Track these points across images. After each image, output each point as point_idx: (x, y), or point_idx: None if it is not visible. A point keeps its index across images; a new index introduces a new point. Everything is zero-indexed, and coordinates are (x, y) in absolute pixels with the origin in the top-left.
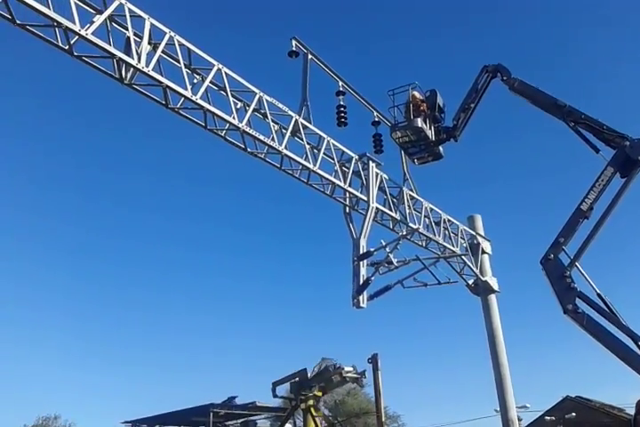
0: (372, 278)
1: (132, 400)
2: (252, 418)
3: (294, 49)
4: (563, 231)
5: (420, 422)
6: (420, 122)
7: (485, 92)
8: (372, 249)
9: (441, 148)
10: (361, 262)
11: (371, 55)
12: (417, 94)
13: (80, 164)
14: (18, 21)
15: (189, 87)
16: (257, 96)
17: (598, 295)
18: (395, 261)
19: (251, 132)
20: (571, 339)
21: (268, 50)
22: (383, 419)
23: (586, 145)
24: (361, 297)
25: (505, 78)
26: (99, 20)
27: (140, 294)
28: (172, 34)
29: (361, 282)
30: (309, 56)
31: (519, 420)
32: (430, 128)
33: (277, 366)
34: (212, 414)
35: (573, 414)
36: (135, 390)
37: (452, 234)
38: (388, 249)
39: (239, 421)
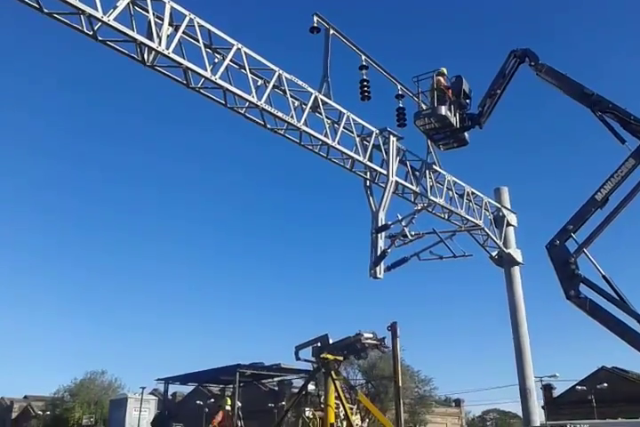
0: (389, 251)
1: (167, 361)
2: (287, 378)
3: (316, 25)
4: (573, 219)
5: (450, 386)
6: (444, 109)
7: (513, 77)
8: (389, 222)
9: (466, 134)
10: (379, 235)
11: (395, 35)
12: (442, 80)
13: None
14: (45, 10)
15: (209, 67)
16: (276, 73)
17: (604, 278)
18: (409, 234)
19: (269, 109)
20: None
21: (290, 27)
22: (415, 382)
23: (611, 135)
24: (378, 268)
25: (533, 63)
26: (121, 4)
27: (174, 268)
28: (192, 16)
29: (378, 254)
30: (331, 31)
31: (552, 389)
32: (455, 115)
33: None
34: (238, 373)
35: (605, 384)
36: (169, 352)
37: (475, 206)
38: (403, 223)
39: (275, 380)
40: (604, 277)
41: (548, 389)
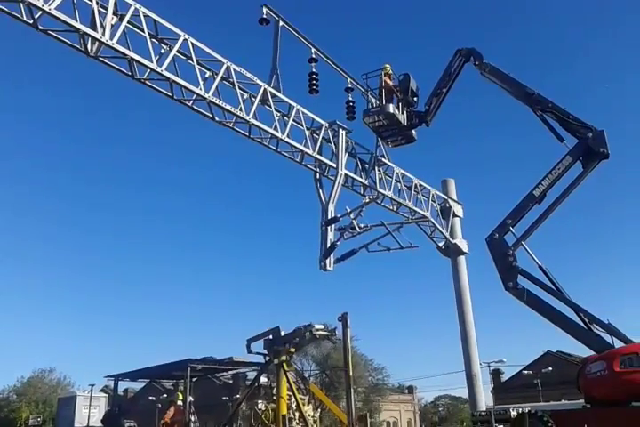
0: (338, 243)
1: (116, 358)
2: (242, 370)
3: (265, 16)
4: (511, 213)
5: (403, 373)
6: (391, 107)
7: (458, 76)
8: (338, 215)
9: (414, 131)
10: (328, 227)
11: (345, 28)
12: (388, 81)
13: None
14: None
15: (155, 58)
16: (224, 65)
17: (540, 268)
18: (357, 226)
19: (217, 101)
20: (580, 291)
21: (239, 18)
22: (369, 371)
23: (551, 133)
24: (328, 260)
25: (477, 63)
26: None
27: (125, 262)
28: (137, 6)
29: (328, 246)
30: (280, 23)
31: (500, 373)
32: (403, 112)
33: (254, 327)
34: (189, 368)
35: (550, 368)
36: (120, 349)
37: (423, 198)
38: (352, 215)
39: (230, 373)
40: (540, 267)
41: (496, 374)
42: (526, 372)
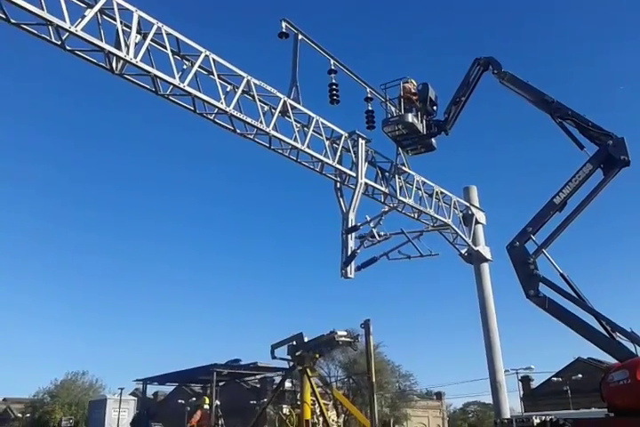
0: (358, 251)
1: (147, 361)
2: (269, 375)
3: (284, 30)
4: (532, 221)
5: (431, 380)
6: (410, 117)
7: (477, 85)
8: (358, 224)
9: (433, 139)
10: (349, 236)
11: (364, 38)
12: (409, 87)
13: None
14: (12, 20)
15: (177, 75)
16: (245, 79)
17: (562, 276)
18: (377, 235)
19: (238, 115)
20: (602, 299)
21: (260, 34)
22: (396, 377)
23: (571, 141)
24: (348, 268)
25: (496, 71)
26: (89, 14)
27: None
28: (160, 24)
29: (348, 254)
30: (300, 37)
31: (530, 380)
32: (422, 121)
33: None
34: (214, 373)
35: (580, 375)
36: (151, 353)
37: (445, 205)
38: (371, 224)
39: (257, 377)
40: (562, 275)
41: (525, 381)
42: (556, 379)
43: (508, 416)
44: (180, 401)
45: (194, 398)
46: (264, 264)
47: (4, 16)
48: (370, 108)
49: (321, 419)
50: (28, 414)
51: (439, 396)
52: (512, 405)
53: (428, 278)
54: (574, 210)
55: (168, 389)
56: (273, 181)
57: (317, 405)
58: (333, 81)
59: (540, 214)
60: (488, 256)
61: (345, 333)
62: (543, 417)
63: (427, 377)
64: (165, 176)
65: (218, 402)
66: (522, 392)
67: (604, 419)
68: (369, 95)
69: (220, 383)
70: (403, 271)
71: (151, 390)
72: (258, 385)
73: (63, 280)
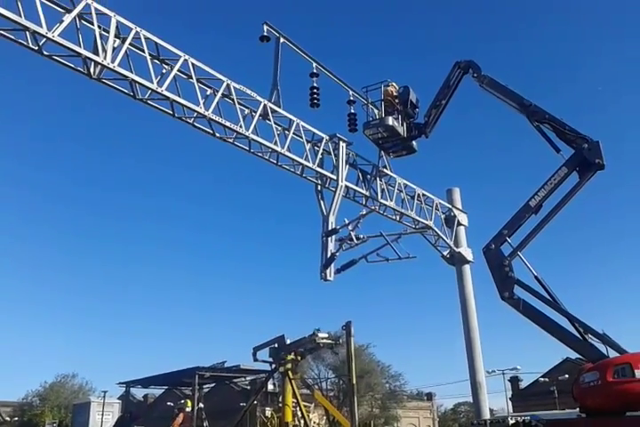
0: (337, 254)
1: (136, 364)
2: (260, 376)
3: (266, 34)
4: (508, 224)
5: (421, 380)
6: (391, 120)
7: (457, 88)
8: (337, 227)
9: (414, 142)
10: (329, 238)
11: (345, 41)
12: (390, 90)
13: None
14: None
15: (156, 79)
16: (224, 83)
17: (536, 278)
18: (355, 237)
19: (216, 119)
20: (577, 302)
21: (242, 36)
22: (386, 378)
23: (547, 144)
24: (328, 271)
25: (475, 75)
26: (67, 19)
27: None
28: (138, 29)
29: (328, 257)
30: (281, 40)
31: (519, 380)
32: (402, 124)
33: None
34: (197, 376)
35: (566, 375)
36: (139, 357)
37: (427, 207)
38: (350, 227)
39: (248, 379)
40: (536, 278)
41: (514, 381)
42: (543, 379)
43: (488, 417)
44: (168, 403)
45: (182, 401)
46: (249, 266)
47: None
48: (352, 111)
49: (302, 421)
50: (17, 418)
51: (430, 397)
52: (502, 405)
53: (414, 280)
54: (549, 213)
55: (158, 391)
56: (259, 182)
57: (298, 407)
58: (315, 84)
59: (516, 217)
60: (469, 258)
61: (326, 335)
62: (518, 418)
63: (417, 378)
64: (152, 177)
65: (201, 405)
66: (511, 393)
67: (575, 419)
68: (351, 98)
69: (207, 386)
70: (390, 273)
71: (141, 392)
72: (248, 387)
73: (53, 282)
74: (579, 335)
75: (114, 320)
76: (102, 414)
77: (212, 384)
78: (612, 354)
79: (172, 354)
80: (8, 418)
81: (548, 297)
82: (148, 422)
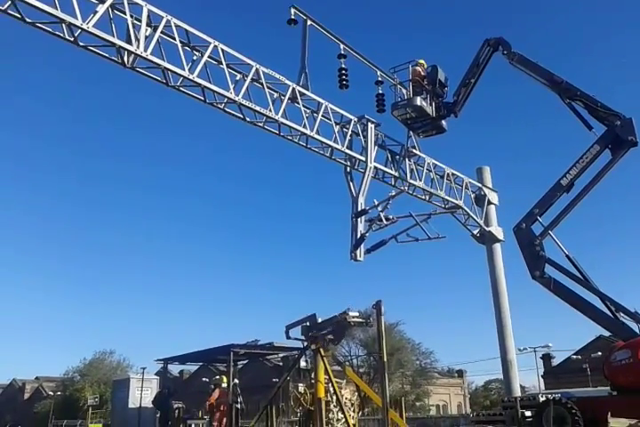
0: (367, 234)
1: (174, 341)
2: (293, 353)
3: (293, 17)
4: (539, 203)
5: (452, 357)
6: (419, 100)
7: (486, 66)
8: (366, 208)
9: (444, 121)
10: (358, 219)
11: (373, 25)
12: (418, 70)
13: None
14: (27, 20)
15: (187, 66)
16: (253, 68)
17: (567, 257)
18: (384, 218)
19: (246, 103)
20: (612, 279)
21: (268, 20)
22: (416, 355)
23: (579, 122)
24: (358, 251)
25: (505, 52)
26: (101, 9)
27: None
28: (169, 17)
29: (358, 237)
30: (309, 22)
31: (552, 358)
32: (431, 104)
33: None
34: (232, 353)
35: (599, 353)
36: (177, 332)
37: (457, 186)
38: (379, 208)
39: (280, 355)
40: (567, 256)
41: (546, 358)
42: (575, 357)
43: (519, 394)
44: (204, 379)
45: (217, 377)
46: (284, 245)
47: (19, 15)
48: (380, 92)
49: (334, 397)
50: (59, 393)
51: (460, 374)
52: (534, 382)
53: (445, 257)
54: (581, 191)
55: (193, 367)
56: (296, 162)
57: (330, 383)
58: (343, 66)
59: (547, 196)
60: (500, 236)
61: (357, 313)
62: (548, 396)
63: (448, 355)
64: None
65: (237, 381)
66: (543, 370)
67: (606, 397)
68: (379, 78)
69: (241, 362)
70: (421, 251)
71: (177, 369)
72: (280, 364)
73: (92, 263)
74: (610, 314)
75: (150, 298)
76: (141, 390)
77: (246, 361)
78: None
79: (205, 331)
80: (51, 393)
81: (580, 276)
82: (184, 397)
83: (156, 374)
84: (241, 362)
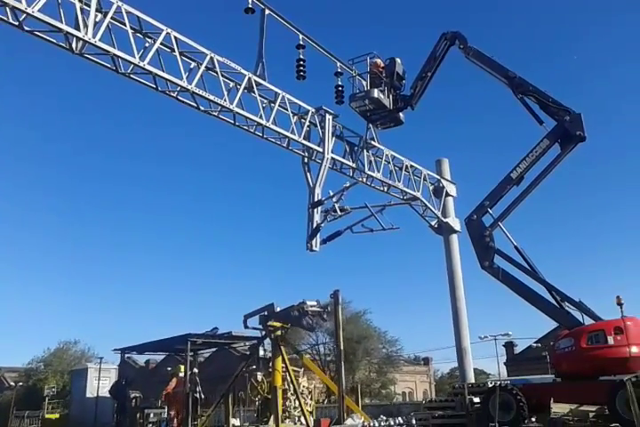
0: (323, 225)
1: (136, 330)
2: (252, 342)
3: (250, 6)
4: (489, 195)
5: (419, 346)
6: (376, 92)
7: (443, 60)
8: (322, 198)
9: (401, 114)
10: (314, 210)
11: (332, 16)
12: (377, 62)
13: None
14: None
15: (138, 53)
16: (208, 57)
17: (516, 248)
18: (339, 209)
19: (200, 92)
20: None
21: (225, 10)
22: (382, 343)
23: (531, 116)
24: (313, 242)
25: (462, 46)
26: None
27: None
28: (120, 3)
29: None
30: (267, 12)
31: (514, 346)
32: (389, 96)
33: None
34: (189, 342)
35: None
36: (140, 323)
37: (415, 178)
38: (334, 199)
39: (248, 344)
40: (516, 248)
41: (509, 346)
42: (535, 345)
43: (472, 381)
44: (168, 369)
45: (171, 367)
46: (241, 232)
47: None
48: (339, 84)
49: (291, 386)
50: (22, 383)
51: (426, 361)
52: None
53: (404, 249)
54: (530, 184)
55: (160, 357)
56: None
57: (288, 372)
58: (301, 56)
59: (498, 189)
60: (457, 227)
61: (315, 303)
62: (495, 382)
63: (415, 344)
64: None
65: (195, 370)
66: (506, 357)
67: (551, 384)
68: (339, 70)
69: (207, 351)
70: (382, 242)
71: (143, 358)
72: (247, 353)
73: (56, 250)
74: (556, 303)
75: (114, 287)
76: (99, 380)
77: (213, 350)
78: (589, 321)
79: (171, 320)
80: (13, 383)
81: (527, 267)
82: (148, 386)
83: (120, 364)
84: (206, 351)
